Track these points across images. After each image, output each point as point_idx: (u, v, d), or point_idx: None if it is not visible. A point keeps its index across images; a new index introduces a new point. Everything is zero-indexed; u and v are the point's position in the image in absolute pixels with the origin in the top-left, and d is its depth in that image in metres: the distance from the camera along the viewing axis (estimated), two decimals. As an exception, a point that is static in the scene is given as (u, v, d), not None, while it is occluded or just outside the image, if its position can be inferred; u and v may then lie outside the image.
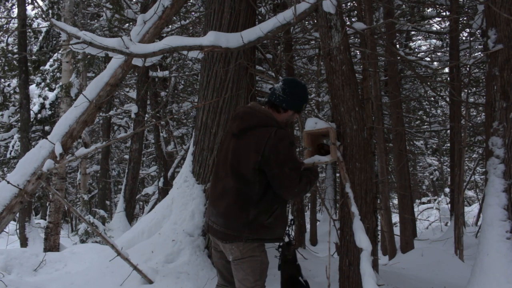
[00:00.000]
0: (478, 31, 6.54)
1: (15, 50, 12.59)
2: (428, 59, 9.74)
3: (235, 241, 2.59)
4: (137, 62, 4.31)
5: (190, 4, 9.38)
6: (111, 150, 15.48)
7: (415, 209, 13.42)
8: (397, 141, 8.67)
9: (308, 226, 12.00)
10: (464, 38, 8.99)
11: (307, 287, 2.99)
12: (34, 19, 15.89)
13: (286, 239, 2.91)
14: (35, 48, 15.48)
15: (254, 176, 2.56)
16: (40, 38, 14.21)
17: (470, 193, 18.32)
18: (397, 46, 10.10)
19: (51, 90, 12.96)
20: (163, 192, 10.07)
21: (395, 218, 11.62)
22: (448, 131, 10.79)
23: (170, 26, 9.58)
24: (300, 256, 5.72)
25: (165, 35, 8.89)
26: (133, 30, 4.73)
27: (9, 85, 14.65)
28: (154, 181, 12.98)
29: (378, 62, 8.07)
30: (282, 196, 2.64)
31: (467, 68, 7.28)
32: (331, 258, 3.46)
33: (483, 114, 8.96)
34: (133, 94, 12.74)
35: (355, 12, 7.49)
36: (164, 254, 4.30)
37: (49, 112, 13.04)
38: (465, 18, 7.40)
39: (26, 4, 10.18)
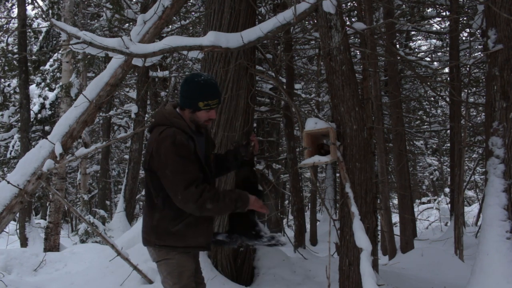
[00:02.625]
0: (478, 31, 6.54)
1: (15, 50, 12.59)
2: (428, 59, 9.74)
3: (147, 245, 2.55)
4: (137, 62, 4.32)
5: (190, 4, 9.38)
6: (111, 150, 15.48)
7: (415, 209, 13.41)
8: (397, 141, 8.67)
9: (308, 226, 12.00)
10: (464, 38, 8.98)
11: (263, 193, 2.75)
12: (34, 19, 15.89)
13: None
14: (35, 48, 15.48)
15: (148, 178, 2.48)
16: (40, 38, 14.21)
17: (470, 193, 18.31)
18: (397, 46, 10.09)
19: (51, 90, 12.96)
20: (163, 192, 10.04)
21: (395, 218, 11.61)
22: (448, 131, 10.79)
23: (170, 26, 9.58)
24: (300, 256, 5.72)
25: (165, 35, 8.89)
26: (133, 30, 4.73)
27: (9, 85, 14.66)
28: (154, 181, 12.95)
29: (378, 62, 8.07)
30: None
31: (467, 68, 7.27)
32: (331, 258, 3.46)
33: (483, 114, 8.96)
34: (133, 94, 12.74)
35: (355, 12, 7.49)
36: (164, 254, 4.29)
37: (49, 112, 13.04)
38: (465, 18, 7.40)
39: (26, 4, 10.19)
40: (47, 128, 13.31)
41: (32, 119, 11.99)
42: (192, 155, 2.40)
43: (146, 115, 10.50)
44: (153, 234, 2.49)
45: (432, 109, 13.24)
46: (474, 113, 11.56)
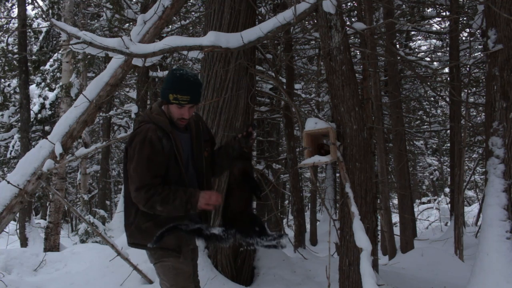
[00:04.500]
0: (478, 31, 6.54)
1: (15, 50, 12.58)
2: (428, 59, 9.75)
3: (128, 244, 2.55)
4: (137, 62, 4.31)
5: (190, 4, 9.39)
6: (111, 150, 15.49)
7: (415, 209, 13.42)
8: (397, 141, 8.67)
9: (308, 226, 12.00)
10: (464, 38, 8.99)
11: (260, 188, 2.69)
12: (34, 19, 15.87)
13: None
14: (35, 48, 15.48)
15: (125, 175, 2.47)
16: (40, 38, 14.20)
17: (470, 193, 18.32)
18: (397, 46, 10.09)
19: (51, 90, 12.94)
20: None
21: (395, 218, 11.61)
22: (448, 131, 10.80)
23: (170, 26, 9.57)
24: (300, 256, 5.72)
25: (165, 35, 8.89)
26: (133, 30, 4.73)
27: (9, 85, 14.65)
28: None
29: (378, 62, 8.07)
30: None
31: (467, 68, 7.28)
32: (331, 258, 3.47)
33: (483, 114, 8.96)
34: (133, 94, 12.74)
35: (355, 12, 7.49)
36: (164, 254, 4.29)
37: (49, 112, 13.02)
38: (465, 18, 7.40)
39: (26, 4, 10.19)
40: (47, 128, 13.31)
41: (32, 119, 11.98)
42: (159, 155, 2.36)
43: (146, 115, 10.49)
44: (127, 231, 2.49)
45: (432, 109, 13.25)
46: (474, 113, 11.57)
